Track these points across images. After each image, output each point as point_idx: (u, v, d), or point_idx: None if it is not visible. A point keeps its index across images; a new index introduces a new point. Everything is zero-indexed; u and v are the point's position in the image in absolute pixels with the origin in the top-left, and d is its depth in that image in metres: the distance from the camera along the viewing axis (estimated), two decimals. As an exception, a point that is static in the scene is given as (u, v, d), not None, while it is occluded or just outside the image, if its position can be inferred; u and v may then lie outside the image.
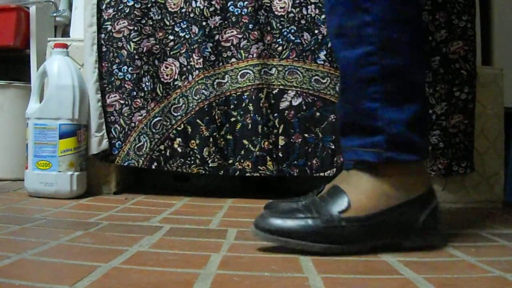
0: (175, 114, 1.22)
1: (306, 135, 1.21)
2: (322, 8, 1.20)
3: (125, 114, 1.22)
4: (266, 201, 1.02)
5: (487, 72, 1.24)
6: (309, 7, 1.21)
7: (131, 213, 1.00)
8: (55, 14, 1.50)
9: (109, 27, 1.22)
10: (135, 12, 1.21)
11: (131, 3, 1.21)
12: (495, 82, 1.23)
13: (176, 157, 1.21)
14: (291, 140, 1.22)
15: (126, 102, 1.22)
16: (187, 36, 1.22)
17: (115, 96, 1.22)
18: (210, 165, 1.21)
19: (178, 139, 1.21)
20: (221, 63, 1.22)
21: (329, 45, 1.20)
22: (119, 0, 1.22)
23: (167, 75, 1.23)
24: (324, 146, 1.21)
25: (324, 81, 1.21)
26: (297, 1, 1.21)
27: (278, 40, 1.22)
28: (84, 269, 0.59)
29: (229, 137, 1.22)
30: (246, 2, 1.21)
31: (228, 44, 1.22)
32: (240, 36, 1.22)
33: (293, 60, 1.22)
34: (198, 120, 1.21)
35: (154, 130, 1.21)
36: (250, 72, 1.21)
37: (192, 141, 1.21)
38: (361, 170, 0.76)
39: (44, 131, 1.14)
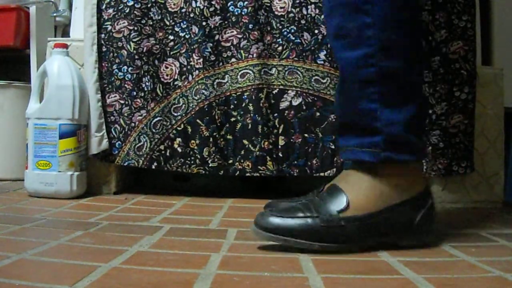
0: (175, 114, 1.22)
1: (306, 135, 1.21)
2: (322, 8, 1.20)
3: (125, 114, 1.22)
4: (266, 201, 1.02)
5: (487, 72, 1.24)
6: (309, 7, 1.21)
7: (131, 213, 1.00)
8: (55, 14, 1.50)
9: (109, 27, 1.22)
10: (135, 12, 1.21)
11: (131, 3, 1.21)
12: (495, 82, 1.23)
13: (176, 157, 1.21)
14: (291, 140, 1.22)
15: (126, 102, 1.22)
16: (187, 36, 1.22)
17: (115, 96, 1.22)
18: (210, 165, 1.21)
19: (178, 139, 1.21)
20: (221, 63, 1.22)
21: (329, 45, 1.20)
22: (119, 0, 1.22)
23: (167, 75, 1.23)
24: (324, 146, 1.21)
25: (324, 81, 1.21)
26: (297, 1, 1.21)
27: (278, 40, 1.22)
28: (84, 269, 0.59)
29: (229, 137, 1.22)
30: (246, 2, 1.21)
31: (228, 44, 1.22)
32: (240, 36, 1.22)
33: (293, 60, 1.22)
34: (198, 120, 1.21)
35: (154, 130, 1.21)
36: (250, 72, 1.21)
37: (192, 141, 1.21)
38: (360, 170, 0.77)
39: (44, 131, 1.14)
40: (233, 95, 1.22)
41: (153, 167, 1.21)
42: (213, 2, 1.21)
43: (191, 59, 1.22)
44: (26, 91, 1.42)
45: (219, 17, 1.22)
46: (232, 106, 1.22)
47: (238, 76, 1.22)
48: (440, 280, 0.59)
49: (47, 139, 1.14)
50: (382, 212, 0.74)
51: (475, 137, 1.20)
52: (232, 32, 1.22)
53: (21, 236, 0.77)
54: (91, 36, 1.21)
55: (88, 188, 1.21)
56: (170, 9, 1.23)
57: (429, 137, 1.17)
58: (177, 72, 1.23)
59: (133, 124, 1.21)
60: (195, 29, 1.21)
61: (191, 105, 1.21)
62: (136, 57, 1.21)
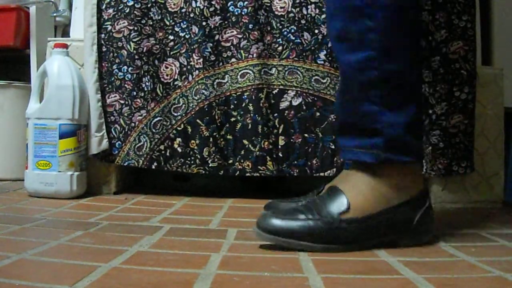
0: (175, 114, 1.22)
1: (306, 135, 1.21)
2: (322, 7, 1.20)
3: (125, 114, 1.22)
4: (266, 201, 1.02)
5: (487, 72, 1.24)
6: (309, 7, 1.21)
7: (131, 213, 1.00)
8: (55, 14, 1.50)
9: (109, 27, 1.22)
10: (135, 12, 1.21)
11: (131, 3, 1.21)
12: (495, 82, 1.23)
13: (176, 157, 1.21)
14: (291, 140, 1.22)
15: (126, 102, 1.22)
16: (187, 36, 1.22)
17: (115, 96, 1.22)
18: (210, 165, 1.21)
19: (178, 139, 1.21)
20: (221, 63, 1.22)
21: (329, 45, 1.20)
22: (119, 0, 1.22)
23: (167, 75, 1.23)
24: (324, 146, 1.21)
25: (324, 81, 1.21)
26: (297, 1, 1.21)
27: (278, 40, 1.22)
28: (84, 269, 0.59)
29: (229, 137, 1.22)
30: (246, 2, 1.21)
31: (228, 44, 1.22)
32: (240, 36, 1.22)
33: (293, 60, 1.22)
34: (198, 120, 1.21)
35: (154, 130, 1.21)
36: (250, 72, 1.21)
37: (192, 141, 1.21)
38: (359, 170, 0.78)
39: (44, 131, 1.14)
40: (233, 95, 1.22)
41: (153, 167, 1.21)
42: (213, 2, 1.21)
43: (191, 59, 1.22)
44: (26, 91, 1.42)
45: (219, 17, 1.22)
46: (232, 106, 1.22)
47: (238, 76, 1.22)
48: (440, 280, 0.59)
49: (47, 139, 1.14)
50: (382, 213, 0.75)
51: (475, 137, 1.20)
52: (232, 32, 1.22)
53: (21, 236, 0.77)
54: (91, 36, 1.21)
55: (88, 188, 1.21)
56: (170, 9, 1.23)
57: (429, 137, 1.17)
58: (177, 72, 1.23)
59: (133, 124, 1.21)
60: (195, 29, 1.21)
61: (191, 105, 1.21)
62: (136, 57, 1.21)
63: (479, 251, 0.74)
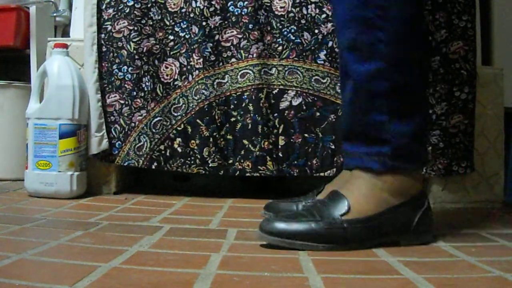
0: (175, 114, 1.22)
1: (306, 135, 1.21)
2: (322, 7, 1.20)
3: (125, 114, 1.22)
4: (266, 201, 1.02)
5: (487, 72, 1.24)
6: (309, 6, 1.21)
7: (131, 213, 1.00)
8: (55, 14, 1.50)
9: (109, 27, 1.22)
10: (135, 12, 1.21)
11: (131, 3, 1.21)
12: (495, 82, 1.23)
13: (176, 157, 1.21)
14: (291, 140, 1.22)
15: (126, 102, 1.22)
16: (187, 36, 1.22)
17: (115, 96, 1.22)
18: (210, 165, 1.21)
19: (178, 139, 1.21)
20: (221, 63, 1.22)
21: (329, 45, 1.20)
22: (119, 0, 1.21)
23: (167, 75, 1.23)
24: (324, 146, 1.21)
25: (324, 81, 1.21)
26: (297, 1, 1.21)
27: (278, 40, 1.22)
28: (84, 269, 0.59)
29: (229, 137, 1.22)
30: (246, 2, 1.21)
31: (228, 44, 1.22)
32: (240, 36, 1.22)
33: (293, 60, 1.22)
34: (198, 120, 1.21)
35: (154, 130, 1.21)
36: (250, 72, 1.21)
37: (192, 141, 1.21)
38: (362, 173, 0.79)
39: (44, 131, 1.14)
40: (233, 95, 1.22)
41: (153, 167, 1.21)
42: (213, 2, 1.21)
43: (191, 59, 1.22)
44: (26, 91, 1.42)
45: (219, 17, 1.22)
46: (232, 106, 1.22)
47: (238, 76, 1.22)
48: (440, 280, 0.59)
49: (47, 139, 1.14)
50: (382, 214, 0.76)
51: (475, 137, 1.20)
52: (232, 32, 1.22)
53: (21, 236, 0.77)
54: (91, 36, 1.20)
55: (88, 188, 1.21)
56: (170, 9, 1.23)
57: (429, 137, 1.17)
58: (177, 72, 1.23)
59: (133, 124, 1.21)
60: (195, 29, 1.21)
61: (191, 105, 1.21)
62: (136, 57, 1.21)
63: (479, 251, 0.74)
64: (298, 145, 1.21)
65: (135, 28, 1.21)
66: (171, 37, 1.23)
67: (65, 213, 0.98)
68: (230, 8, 1.22)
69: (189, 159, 1.21)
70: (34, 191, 1.15)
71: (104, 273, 0.58)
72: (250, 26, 1.21)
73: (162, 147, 1.21)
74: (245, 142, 1.21)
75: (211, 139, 1.20)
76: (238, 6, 1.22)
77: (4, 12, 1.44)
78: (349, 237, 0.74)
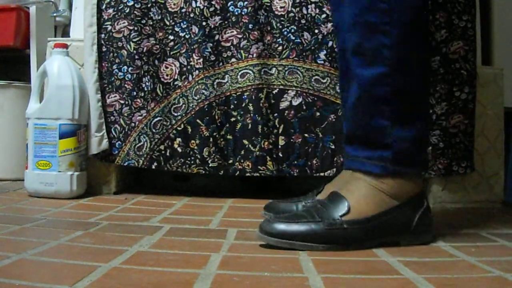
0: (175, 114, 1.22)
1: (306, 135, 1.21)
2: (322, 7, 1.20)
3: (125, 114, 1.22)
4: (266, 201, 1.02)
5: (487, 72, 1.24)
6: (309, 6, 1.21)
7: (131, 213, 1.00)
8: (55, 14, 1.50)
9: (109, 27, 1.22)
10: (135, 12, 1.21)
11: (131, 3, 1.21)
12: (495, 82, 1.23)
13: (176, 157, 1.21)
14: (291, 140, 1.22)
15: (126, 102, 1.22)
16: (187, 36, 1.22)
17: (115, 96, 1.22)
18: (210, 165, 1.21)
19: (178, 139, 1.21)
20: (221, 63, 1.22)
21: (329, 44, 1.20)
22: (119, 0, 1.22)
23: (167, 75, 1.23)
24: (324, 146, 1.21)
25: (324, 81, 1.21)
26: (297, 1, 1.21)
27: (278, 40, 1.22)
28: (84, 269, 0.59)
29: (229, 137, 1.22)
30: (246, 2, 1.21)
31: (228, 44, 1.22)
32: (240, 36, 1.22)
33: (293, 60, 1.22)
34: (198, 120, 1.21)
35: (154, 130, 1.21)
36: (250, 72, 1.21)
37: (192, 141, 1.21)
38: (363, 176, 0.79)
39: (44, 131, 1.14)
40: (233, 95, 1.22)
41: (153, 167, 1.21)
42: (213, 2, 1.21)
43: (191, 59, 1.22)
44: (26, 91, 1.42)
45: (219, 17, 1.22)
46: (232, 106, 1.22)
47: (238, 76, 1.22)
48: (440, 280, 0.59)
49: (47, 139, 1.14)
50: (382, 214, 0.77)
51: (475, 137, 1.20)
52: (232, 32, 1.22)
53: (21, 236, 0.77)
54: (91, 36, 1.20)
55: (88, 188, 1.21)
56: (170, 9, 1.23)
57: (429, 136, 1.17)
58: (177, 72, 1.23)
59: (133, 124, 1.21)
60: (195, 29, 1.21)
61: (191, 105, 1.21)
62: (136, 57, 1.21)
63: (479, 251, 0.74)
64: (298, 145, 1.21)
65: (135, 28, 1.21)
66: (171, 37, 1.23)
67: (65, 213, 0.98)
68: (230, 8, 1.22)
69: (189, 159, 1.21)
70: (34, 191, 1.15)
71: (104, 273, 0.58)
72: (250, 26, 1.21)
73: (162, 147, 1.21)
74: (245, 142, 1.21)
75: (211, 139, 1.20)
76: (238, 6, 1.22)
77: (4, 12, 1.44)
78: (349, 238, 0.74)
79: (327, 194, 0.84)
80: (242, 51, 1.22)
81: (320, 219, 0.74)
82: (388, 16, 0.75)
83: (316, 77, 1.21)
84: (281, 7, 1.22)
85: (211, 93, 1.21)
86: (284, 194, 1.15)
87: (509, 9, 1.36)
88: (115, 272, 0.59)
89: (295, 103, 1.21)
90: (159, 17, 1.23)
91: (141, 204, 1.12)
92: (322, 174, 1.21)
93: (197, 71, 1.21)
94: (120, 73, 1.21)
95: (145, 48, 1.22)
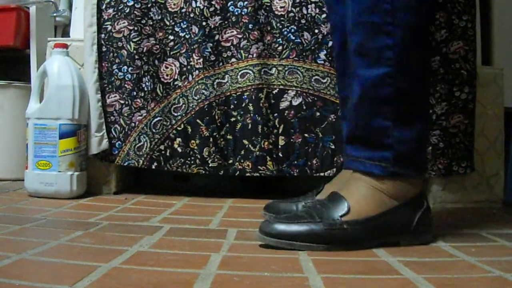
0: (175, 114, 1.22)
1: (306, 135, 1.21)
2: (322, 7, 1.20)
3: (125, 114, 1.22)
4: (266, 201, 1.02)
5: (487, 72, 1.24)
6: (309, 6, 1.21)
7: (131, 213, 1.00)
8: (55, 14, 1.50)
9: (109, 27, 1.22)
10: (135, 12, 1.21)
11: (131, 3, 1.21)
12: (495, 82, 1.23)
13: (176, 157, 1.21)
14: (291, 140, 1.22)
15: (126, 102, 1.22)
16: (187, 36, 1.22)
17: (115, 96, 1.22)
18: (210, 165, 1.21)
19: (178, 139, 1.21)
20: (221, 63, 1.22)
21: (329, 44, 1.20)
22: (119, 0, 1.22)
23: (167, 75, 1.23)
24: (324, 146, 1.21)
25: (324, 81, 1.21)
26: (297, 1, 1.21)
27: (278, 39, 1.22)
28: (84, 269, 0.59)
29: (229, 137, 1.22)
30: (246, 2, 1.21)
31: (228, 44, 1.22)
32: (240, 36, 1.22)
33: (293, 59, 1.22)
34: (198, 120, 1.21)
35: (154, 130, 1.21)
36: (250, 72, 1.21)
37: (192, 141, 1.21)
38: (363, 176, 0.79)
39: (44, 131, 1.14)
40: (233, 95, 1.22)
41: (153, 167, 1.21)
42: (213, 2, 1.21)
43: (191, 59, 1.22)
44: (26, 91, 1.42)
45: (219, 17, 1.22)
46: (232, 106, 1.22)
47: (238, 76, 1.22)
48: (440, 280, 0.59)
49: (47, 139, 1.14)
50: (382, 215, 0.77)
51: (475, 137, 1.20)
52: (232, 32, 1.22)
53: (21, 236, 0.77)
54: (91, 36, 1.21)
55: (88, 188, 1.21)
56: (170, 9, 1.23)
57: (429, 137, 1.17)
58: (177, 72, 1.23)
59: (133, 124, 1.21)
60: (195, 29, 1.21)
61: (191, 105, 1.21)
62: (136, 57, 1.21)
63: (479, 251, 0.74)
64: (298, 145, 1.21)
65: (135, 28, 1.21)
66: (171, 37, 1.23)
67: (65, 213, 0.98)
68: (230, 8, 1.22)
69: (189, 159, 1.21)
70: (34, 191, 1.15)
71: (104, 273, 0.58)
72: (250, 26, 1.21)
73: (162, 147, 1.21)
74: (245, 142, 1.21)
75: (211, 139, 1.20)
76: (238, 6, 1.22)
77: (4, 12, 1.44)
78: (349, 238, 0.74)
79: (326, 194, 0.84)
80: (242, 51, 1.22)
81: (320, 220, 0.74)
82: (391, 17, 0.75)
83: (316, 77, 1.21)
84: (281, 7, 1.22)
85: (211, 93, 1.21)
86: (284, 194, 1.15)
87: (509, 9, 1.36)
88: (115, 272, 0.59)
89: (295, 103, 1.21)
90: (159, 17, 1.23)
91: (141, 204, 1.12)
92: (322, 174, 1.21)
93: (197, 71, 1.21)
94: (120, 73, 1.21)
95: (145, 48, 1.22)
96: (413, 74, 0.78)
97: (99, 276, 0.57)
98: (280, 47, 1.22)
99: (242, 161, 1.21)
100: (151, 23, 1.22)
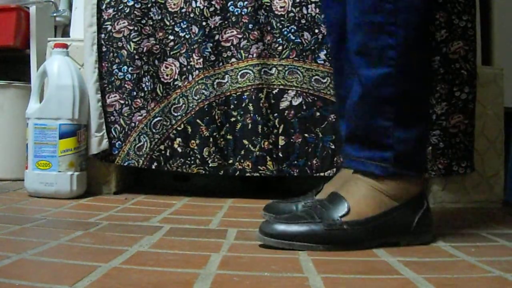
0: (175, 114, 1.22)
1: (306, 135, 1.21)
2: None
3: (125, 114, 1.22)
4: (266, 201, 1.02)
5: (487, 72, 1.24)
6: (309, 6, 1.21)
7: (131, 213, 1.00)
8: (55, 14, 1.50)
9: (109, 27, 1.22)
10: (135, 12, 1.21)
11: (131, 3, 1.21)
12: (495, 82, 1.23)
13: (176, 157, 1.21)
14: (291, 140, 1.22)
15: (126, 102, 1.22)
16: (187, 36, 1.22)
17: (115, 96, 1.22)
18: (210, 165, 1.21)
19: (178, 139, 1.21)
20: (221, 63, 1.22)
21: (330, 44, 1.20)
22: (119, 0, 1.21)
23: (167, 75, 1.23)
24: (324, 146, 1.21)
25: (324, 80, 1.21)
26: (297, 1, 1.21)
27: (278, 39, 1.22)
28: (84, 269, 0.59)
29: (229, 137, 1.22)
30: (246, 2, 1.21)
31: (228, 44, 1.22)
32: (240, 36, 1.22)
33: (293, 59, 1.22)
34: (198, 120, 1.21)
35: (154, 130, 1.21)
36: (250, 72, 1.21)
37: (192, 141, 1.21)
38: (362, 177, 0.79)
39: (44, 131, 1.14)
40: (233, 95, 1.22)
41: (153, 167, 1.21)
42: (213, 2, 1.21)
43: (191, 59, 1.22)
44: (26, 91, 1.42)
45: (219, 17, 1.22)
46: (232, 106, 1.22)
47: (238, 76, 1.22)
48: (440, 280, 0.59)
49: (47, 139, 1.14)
50: (382, 215, 0.77)
51: (475, 137, 1.20)
52: (232, 32, 1.22)
53: (21, 236, 0.77)
54: (91, 36, 1.20)
55: (88, 188, 1.21)
56: (170, 9, 1.23)
57: (429, 137, 1.17)
58: (177, 72, 1.23)
59: (133, 124, 1.21)
60: (195, 29, 1.21)
61: (191, 105, 1.21)
62: (136, 57, 1.21)
63: (479, 251, 0.74)
64: (298, 145, 1.21)
65: (135, 28, 1.21)
66: (171, 37, 1.23)
67: (65, 213, 0.98)
68: (230, 8, 1.22)
69: (189, 159, 1.21)
70: (34, 191, 1.15)
71: (104, 273, 0.58)
72: (250, 26, 1.21)
73: (162, 147, 1.21)
74: (245, 142, 1.21)
75: (211, 139, 1.20)
76: (238, 6, 1.22)
77: (4, 12, 1.44)
78: (349, 239, 0.74)
79: (326, 193, 0.84)
80: (242, 51, 1.22)
81: (320, 220, 0.74)
82: (394, 17, 0.75)
83: (316, 77, 1.21)
84: (281, 7, 1.22)
85: (211, 93, 1.21)
86: (284, 194, 1.15)
87: (509, 9, 1.36)
88: (115, 272, 0.59)
89: (295, 103, 1.21)
90: (159, 17, 1.23)
91: (141, 204, 1.12)
92: (322, 174, 1.21)
93: (197, 71, 1.21)
94: (120, 73, 1.21)
95: (145, 48, 1.22)
96: (414, 74, 0.78)
97: (99, 276, 0.57)
98: (280, 47, 1.22)
99: (242, 161, 1.21)
100: (151, 23, 1.22)
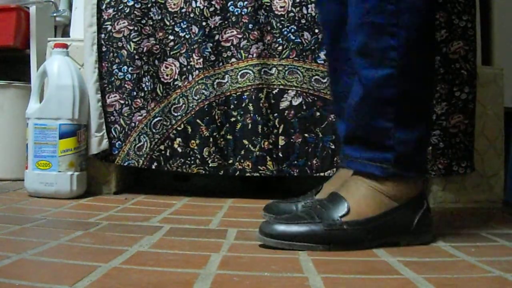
0: (175, 114, 1.22)
1: (306, 135, 1.21)
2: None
3: (125, 114, 1.22)
4: (266, 201, 1.02)
5: (487, 72, 1.24)
6: (309, 6, 1.21)
7: (131, 213, 1.00)
8: (55, 14, 1.50)
9: (109, 27, 1.22)
10: (135, 12, 1.21)
11: (131, 3, 1.21)
12: (495, 82, 1.23)
13: (176, 157, 1.21)
14: (291, 140, 1.22)
15: (126, 102, 1.22)
16: (187, 36, 1.22)
17: (115, 96, 1.22)
18: (210, 165, 1.21)
19: (178, 139, 1.21)
20: (221, 63, 1.22)
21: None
22: (119, 0, 1.21)
23: (167, 75, 1.23)
24: (324, 146, 1.21)
25: (324, 80, 1.21)
26: (297, 1, 1.21)
27: (278, 39, 1.22)
28: (84, 269, 0.59)
29: (229, 137, 1.22)
30: (246, 2, 1.21)
31: (228, 44, 1.22)
32: (240, 36, 1.22)
33: (293, 59, 1.22)
34: (198, 120, 1.21)
35: (154, 130, 1.21)
36: (250, 72, 1.21)
37: (192, 141, 1.21)
38: (361, 178, 0.79)
39: (44, 131, 1.14)
40: (233, 95, 1.22)
41: (153, 167, 1.21)
42: (213, 2, 1.21)
43: (191, 59, 1.22)
44: (26, 91, 1.42)
45: (219, 17, 1.22)
46: (232, 106, 1.22)
47: (238, 76, 1.22)
48: (440, 280, 0.59)
49: (47, 139, 1.14)
50: (382, 215, 0.77)
51: (475, 137, 1.20)
52: (232, 32, 1.22)
53: (21, 236, 0.77)
54: (91, 36, 1.21)
55: (88, 188, 1.21)
56: (170, 9, 1.23)
57: (430, 138, 1.17)
58: (177, 72, 1.23)
59: (133, 124, 1.21)
60: (195, 29, 1.21)
61: (191, 105, 1.21)
62: (136, 57, 1.21)
63: (479, 251, 0.74)
64: (298, 145, 1.21)
65: (135, 28, 1.21)
66: (171, 37, 1.23)
67: (65, 213, 0.98)
68: (230, 8, 1.22)
69: (189, 159, 1.21)
70: (34, 191, 1.15)
71: (104, 273, 0.58)
72: (250, 26, 1.21)
73: (162, 147, 1.21)
74: (245, 142, 1.21)
75: (211, 139, 1.20)
76: (238, 6, 1.22)
77: (4, 12, 1.44)
78: (348, 239, 0.74)
79: (326, 193, 0.84)
80: (242, 51, 1.22)
81: (320, 220, 0.74)
82: (396, 18, 0.74)
83: (316, 77, 1.21)
84: (281, 7, 1.22)
85: (211, 93, 1.21)
86: (284, 194, 1.15)
87: (509, 9, 1.36)
88: (115, 272, 0.59)
89: (295, 103, 1.21)
90: (159, 17, 1.23)
91: (141, 204, 1.12)
92: (322, 174, 1.21)
93: (197, 71, 1.21)
94: (120, 73, 1.21)
95: (145, 48, 1.22)
96: (416, 75, 0.78)
97: (99, 276, 0.57)
98: (280, 47, 1.22)
99: (242, 161, 1.21)
100: (151, 23, 1.22)
